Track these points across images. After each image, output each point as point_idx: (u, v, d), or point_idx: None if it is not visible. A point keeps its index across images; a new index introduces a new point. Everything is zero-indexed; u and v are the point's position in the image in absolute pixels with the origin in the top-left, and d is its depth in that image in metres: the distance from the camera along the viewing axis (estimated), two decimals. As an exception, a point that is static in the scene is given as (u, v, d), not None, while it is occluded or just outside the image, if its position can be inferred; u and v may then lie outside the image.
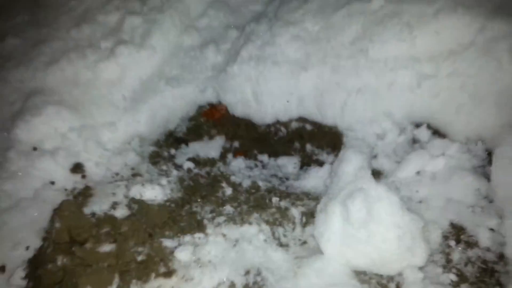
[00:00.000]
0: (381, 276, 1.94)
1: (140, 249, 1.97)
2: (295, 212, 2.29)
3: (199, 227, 2.15)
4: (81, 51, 3.05)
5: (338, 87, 2.62)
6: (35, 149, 2.59)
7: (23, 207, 2.28)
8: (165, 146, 2.90)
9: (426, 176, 2.25)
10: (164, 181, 2.46)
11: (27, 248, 2.11)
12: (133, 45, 3.07)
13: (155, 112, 2.92)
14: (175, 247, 2.02)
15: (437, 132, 2.41)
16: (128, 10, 3.32)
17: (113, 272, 1.85)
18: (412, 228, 1.90)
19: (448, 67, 2.40)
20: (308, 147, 2.75)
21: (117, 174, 2.57)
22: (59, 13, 3.43)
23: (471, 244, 1.97)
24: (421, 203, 2.18)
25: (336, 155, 2.47)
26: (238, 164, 2.72)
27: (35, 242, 2.13)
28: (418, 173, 2.28)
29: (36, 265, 1.94)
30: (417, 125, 2.46)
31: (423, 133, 2.41)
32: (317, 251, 2.06)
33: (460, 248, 1.97)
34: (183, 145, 2.90)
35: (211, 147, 2.84)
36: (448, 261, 1.94)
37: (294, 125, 2.79)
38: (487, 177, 2.11)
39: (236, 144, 2.88)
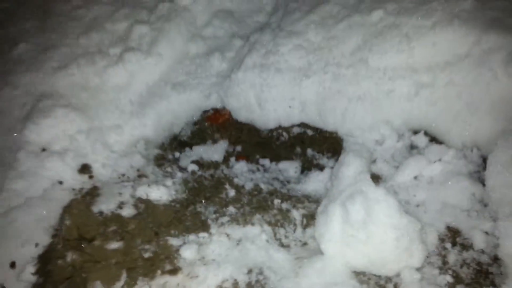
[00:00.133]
0: (379, 276, 2.00)
1: (146, 246, 2.04)
2: (296, 214, 2.35)
3: (203, 226, 2.22)
4: (90, 57, 3.15)
5: (339, 95, 2.71)
6: (44, 150, 2.66)
7: (32, 206, 2.34)
8: (169, 149, 2.97)
9: (424, 180, 2.33)
10: (169, 182, 2.53)
11: (36, 245, 2.17)
12: (141, 52, 3.17)
13: (160, 116, 3.01)
14: (180, 246, 2.09)
15: (434, 139, 2.50)
16: (136, 19, 3.44)
17: (121, 268, 1.91)
18: (409, 230, 1.96)
19: (445, 77, 2.50)
20: (309, 152, 2.83)
21: (123, 175, 2.64)
22: (68, 20, 3.54)
23: (466, 246, 2.04)
24: (419, 206, 2.26)
25: (336, 160, 2.55)
26: (240, 167, 2.79)
27: (44, 240, 2.19)
28: (415, 177, 2.36)
29: (46, 261, 2.00)
30: (415, 132, 2.55)
31: (421, 140, 2.50)
32: (318, 252, 2.13)
33: (456, 250, 2.04)
34: (187, 149, 2.97)
35: (214, 151, 2.92)
36: (445, 262, 2.00)
37: (296, 130, 2.88)
38: (482, 182, 2.19)
39: (238, 148, 2.96)
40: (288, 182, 2.70)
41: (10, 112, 2.90)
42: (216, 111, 3.10)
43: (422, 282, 1.91)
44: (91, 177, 2.61)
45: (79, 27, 3.43)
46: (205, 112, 3.13)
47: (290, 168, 2.83)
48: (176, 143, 3.05)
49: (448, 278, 1.93)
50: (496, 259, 1.95)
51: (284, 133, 2.92)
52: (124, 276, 1.90)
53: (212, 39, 3.37)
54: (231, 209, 2.36)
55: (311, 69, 2.84)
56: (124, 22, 3.43)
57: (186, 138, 3.08)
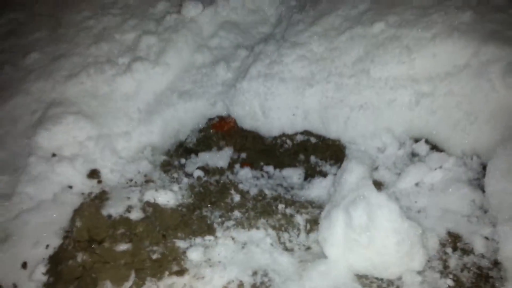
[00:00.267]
0: (381, 280, 2.05)
1: (154, 248, 2.09)
2: (300, 219, 2.41)
3: (209, 230, 2.27)
4: (100, 66, 3.24)
5: (342, 103, 2.79)
6: (54, 155, 2.74)
7: (43, 209, 2.41)
8: (175, 155, 3.04)
9: (425, 187, 2.39)
10: (175, 187, 2.59)
11: (47, 246, 2.23)
12: (149, 61, 3.27)
13: (167, 123, 3.08)
14: (187, 248, 2.15)
15: (435, 147, 2.57)
16: (144, 30, 3.54)
17: (129, 269, 1.96)
18: (410, 234, 2.01)
19: (445, 87, 2.57)
20: (312, 159, 2.89)
21: (130, 180, 2.71)
22: (78, 31, 3.65)
23: (467, 251, 2.09)
24: (420, 212, 2.31)
25: (339, 167, 2.61)
26: (245, 173, 2.85)
27: (55, 241, 2.25)
28: (417, 184, 2.42)
29: (57, 262, 2.06)
30: (416, 140, 2.62)
31: (422, 148, 2.57)
32: (321, 256, 2.18)
33: (456, 255, 2.08)
34: (192, 155, 3.04)
35: (219, 158, 2.98)
36: (445, 267, 2.05)
37: (299, 138, 2.95)
38: (482, 189, 2.25)
39: (243, 155, 3.03)
40: (292, 188, 2.76)
41: (22, 119, 2.99)
42: (221, 119, 3.18)
43: (423, 285, 1.95)
44: (99, 182, 2.67)
45: (89, 37, 3.54)
46: (210, 119, 3.21)
47: (294, 175, 2.89)
48: (182, 150, 3.12)
49: (449, 282, 1.97)
50: (496, 263, 1.99)
51: (288, 141, 2.99)
52: (132, 277, 1.96)
53: (218, 49, 3.46)
54: (236, 213, 2.42)
55: (314, 78, 2.93)
56: (132, 32, 3.54)
57: (191, 145, 3.15)
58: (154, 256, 2.06)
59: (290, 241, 2.31)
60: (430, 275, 2.01)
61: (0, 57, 3.56)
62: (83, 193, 2.57)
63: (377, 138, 2.68)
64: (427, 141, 2.59)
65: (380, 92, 2.71)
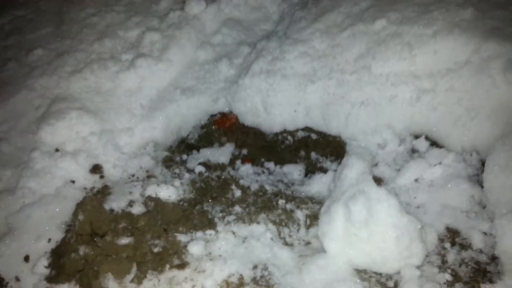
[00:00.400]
0: (380, 274, 2.07)
1: (156, 242, 2.12)
2: (300, 214, 2.43)
3: (210, 224, 2.30)
4: (103, 62, 3.27)
5: (343, 100, 2.80)
6: (57, 150, 2.77)
7: (45, 203, 2.44)
8: (177, 151, 3.07)
9: (424, 183, 2.40)
10: (177, 182, 2.62)
11: (49, 240, 2.26)
12: (152, 58, 3.29)
13: (169, 120, 3.11)
14: (188, 242, 2.17)
15: (434, 143, 2.57)
16: (148, 27, 3.57)
17: (131, 262, 1.99)
18: (410, 229, 2.03)
19: (446, 83, 2.58)
20: (313, 155, 2.91)
21: (133, 175, 2.73)
22: (82, 28, 3.67)
23: (465, 246, 2.10)
24: (419, 208, 2.32)
25: (339, 163, 2.62)
26: (246, 170, 2.87)
27: (57, 235, 2.28)
28: (416, 180, 2.43)
29: (59, 255, 2.09)
30: (416, 136, 2.62)
31: (422, 144, 2.57)
32: (321, 250, 2.19)
33: (455, 250, 2.09)
34: (194, 151, 3.07)
35: (221, 153, 3.01)
36: (444, 261, 2.06)
37: (300, 134, 2.97)
38: (481, 184, 2.26)
39: (244, 151, 3.05)
40: (292, 184, 2.78)
41: (26, 114, 3.02)
42: (223, 115, 3.20)
43: (422, 280, 1.97)
44: (102, 177, 2.70)
45: (93, 34, 3.57)
46: (212, 116, 3.23)
47: (295, 171, 2.91)
48: (184, 146, 3.14)
49: (447, 277, 1.98)
50: (494, 258, 2.00)
51: (289, 137, 3.01)
52: (134, 270, 1.98)
53: (220, 46, 3.48)
54: (237, 208, 2.44)
55: (316, 75, 2.94)
56: (136, 29, 3.57)
57: (193, 141, 3.18)
58: (156, 250, 2.09)
59: (290, 236, 2.33)
60: (429, 270, 2.02)
61: (5, 54, 3.60)
62: (85, 188, 2.60)
63: (377, 135, 2.69)
64: (427, 138, 2.60)
65: (381, 88, 2.72)
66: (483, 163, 2.32)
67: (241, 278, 2.01)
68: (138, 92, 3.18)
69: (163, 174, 2.75)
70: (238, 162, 2.98)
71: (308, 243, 2.31)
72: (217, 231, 2.27)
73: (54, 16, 3.91)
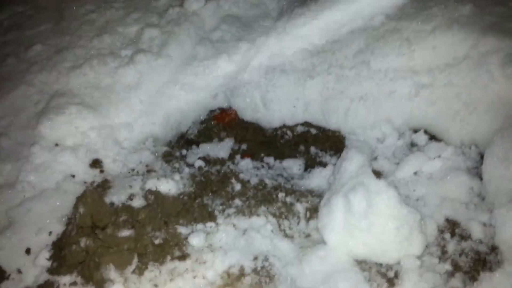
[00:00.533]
0: (380, 264, 2.08)
1: (156, 234, 2.12)
2: (300, 207, 2.44)
3: (210, 217, 2.30)
4: (102, 58, 3.27)
5: (342, 95, 2.82)
6: (57, 145, 2.76)
7: (46, 197, 2.44)
8: (177, 147, 3.07)
9: (423, 176, 2.41)
10: (177, 177, 2.62)
11: (50, 233, 2.26)
12: (151, 54, 3.30)
13: (169, 115, 3.11)
14: (189, 234, 2.17)
15: (433, 137, 2.59)
16: (147, 23, 3.57)
17: (132, 253, 1.99)
18: (409, 220, 2.04)
19: (444, 78, 2.60)
20: (312, 149, 2.92)
21: (133, 170, 2.73)
22: (81, 24, 3.67)
23: (465, 237, 2.11)
24: (418, 200, 2.33)
25: (339, 157, 2.63)
26: (246, 164, 2.88)
27: (57, 228, 2.28)
28: (415, 173, 2.44)
29: (60, 247, 2.09)
30: (415, 131, 2.65)
31: (421, 138, 2.59)
32: (321, 243, 2.20)
33: (454, 241, 2.11)
34: (193, 146, 3.07)
35: (220, 149, 3.01)
36: (444, 252, 2.08)
37: (300, 129, 2.98)
38: (480, 177, 2.27)
39: (244, 146, 3.05)
40: (292, 178, 2.79)
41: (25, 109, 3.01)
42: (222, 110, 3.21)
43: (422, 270, 1.98)
44: (102, 171, 2.70)
45: (92, 30, 3.56)
46: (212, 111, 3.24)
47: (294, 165, 2.91)
48: (183, 141, 3.15)
49: (447, 267, 2.00)
50: (493, 248, 2.02)
51: (288, 132, 3.02)
52: (135, 261, 1.99)
53: (219, 42, 3.49)
54: (237, 201, 2.44)
55: (315, 70, 2.96)
56: (135, 25, 3.57)
57: (193, 137, 3.18)
58: (157, 242, 2.09)
59: (290, 228, 2.34)
60: (429, 260, 2.04)
61: (4, 50, 3.59)
62: (85, 182, 2.60)
63: (376, 129, 2.71)
64: (426, 132, 2.62)
65: (380, 83, 2.74)
66: (481, 156, 2.35)
67: (242, 269, 2.02)
68: (138, 87, 3.18)
69: (163, 169, 2.75)
70: (238, 157, 2.98)
71: (308, 235, 2.32)
72: (217, 224, 2.27)
73: (53, 13, 3.91)
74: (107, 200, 2.35)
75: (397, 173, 2.47)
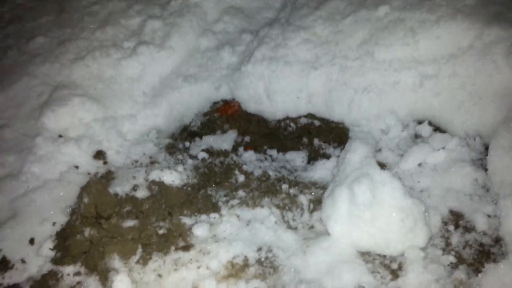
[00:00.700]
0: (384, 256, 2.07)
1: (161, 224, 2.13)
2: (303, 199, 2.43)
3: (214, 208, 2.30)
4: (105, 50, 3.26)
5: (346, 86, 2.79)
6: (60, 136, 2.77)
7: (50, 188, 2.45)
8: (180, 139, 3.07)
9: (427, 167, 2.40)
10: (180, 168, 2.62)
11: (54, 223, 2.27)
12: (154, 45, 3.29)
13: (172, 107, 3.11)
14: (193, 224, 2.18)
15: (438, 128, 2.57)
16: (149, 14, 3.56)
17: (136, 243, 2.00)
18: (414, 211, 2.04)
19: (449, 69, 2.57)
20: (316, 141, 2.91)
21: (136, 161, 2.74)
22: (83, 16, 3.67)
23: (469, 228, 2.10)
24: (422, 192, 2.32)
25: (342, 149, 2.63)
26: (249, 156, 2.87)
27: (61, 219, 2.29)
28: (419, 165, 2.42)
29: (64, 237, 2.09)
30: (419, 122, 2.62)
31: (425, 129, 2.57)
32: (324, 234, 2.20)
33: (459, 232, 2.10)
34: (197, 138, 3.07)
35: (223, 140, 3.01)
36: (448, 244, 2.07)
37: (303, 121, 2.97)
38: (484, 168, 2.26)
39: (247, 138, 3.05)
40: (295, 170, 2.78)
41: (28, 101, 3.02)
42: (225, 102, 3.20)
43: (426, 261, 1.97)
44: (105, 162, 2.71)
45: (94, 22, 3.56)
46: (215, 103, 3.23)
47: (297, 158, 2.91)
48: (186, 133, 3.14)
49: (451, 258, 1.99)
50: (497, 240, 2.01)
51: (292, 124, 3.01)
52: (139, 251, 1.99)
53: (222, 34, 3.47)
54: (241, 193, 2.44)
55: (318, 61, 2.93)
56: (137, 17, 3.56)
57: (196, 129, 3.18)
58: (161, 232, 2.10)
59: (294, 220, 2.33)
60: (433, 252, 2.03)
61: (5, 42, 3.59)
62: (89, 173, 2.60)
63: (380, 120, 2.69)
64: (430, 123, 2.60)
65: (384, 74, 2.72)
66: (486, 148, 2.33)
67: (246, 259, 2.02)
68: (140, 79, 3.18)
69: (166, 160, 2.75)
70: (241, 149, 2.98)
71: (311, 227, 2.32)
72: (221, 215, 2.28)
73: (55, 5, 3.90)
74: (111, 191, 2.35)
75: (401, 165, 2.45)
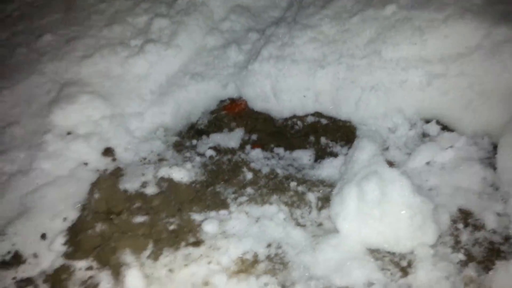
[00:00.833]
0: (393, 254, 2.08)
1: (171, 220, 2.14)
2: (312, 196, 2.44)
3: (223, 205, 2.32)
4: (113, 48, 3.28)
5: (353, 85, 2.80)
6: (69, 133, 2.79)
7: (60, 184, 2.47)
8: (187, 137, 3.08)
9: (436, 166, 2.40)
10: (188, 165, 2.63)
11: (65, 219, 2.28)
12: (161, 43, 3.30)
13: (179, 105, 3.12)
14: (202, 221, 2.19)
15: (445, 127, 2.58)
16: (156, 13, 3.58)
17: (147, 239, 2.02)
18: (423, 209, 2.05)
19: (457, 68, 2.58)
20: (323, 140, 2.92)
21: (144, 158, 2.75)
22: (91, 14, 3.69)
23: (478, 227, 2.11)
24: (431, 190, 2.32)
25: (350, 148, 2.64)
26: (256, 154, 2.88)
27: (72, 214, 2.30)
28: (428, 163, 2.43)
29: (75, 232, 2.11)
30: (427, 121, 2.63)
31: (433, 128, 2.58)
32: (333, 232, 2.21)
33: (468, 231, 2.10)
34: (204, 136, 3.07)
35: (230, 138, 3.01)
36: (457, 242, 2.07)
37: (310, 119, 2.98)
38: (493, 167, 2.26)
39: (254, 136, 3.05)
40: (303, 168, 2.79)
41: (37, 98, 3.04)
42: (232, 100, 3.21)
43: (436, 259, 1.98)
44: (114, 159, 2.72)
45: (102, 20, 3.58)
46: (222, 101, 3.24)
47: (304, 156, 2.91)
48: (194, 132, 3.15)
49: (461, 256, 2.00)
50: (507, 238, 2.01)
51: (299, 122, 3.02)
52: (151, 246, 2.01)
53: (229, 32, 3.49)
54: (249, 190, 2.46)
55: (325, 60, 2.94)
56: (144, 15, 3.58)
57: (203, 127, 3.19)
58: (171, 228, 2.11)
59: (302, 217, 2.34)
60: (442, 250, 2.04)
61: (14, 40, 3.61)
62: (98, 170, 2.62)
63: (388, 119, 2.70)
64: (438, 122, 2.61)
65: (392, 73, 2.72)
66: (494, 147, 2.34)
67: (255, 255, 2.04)
68: (148, 77, 3.20)
69: (174, 158, 2.77)
70: (248, 147, 2.99)
71: (320, 224, 2.33)
72: (230, 211, 2.29)
73: (62, 3, 3.92)
74: (121, 187, 2.37)
75: (409, 163, 2.46)
